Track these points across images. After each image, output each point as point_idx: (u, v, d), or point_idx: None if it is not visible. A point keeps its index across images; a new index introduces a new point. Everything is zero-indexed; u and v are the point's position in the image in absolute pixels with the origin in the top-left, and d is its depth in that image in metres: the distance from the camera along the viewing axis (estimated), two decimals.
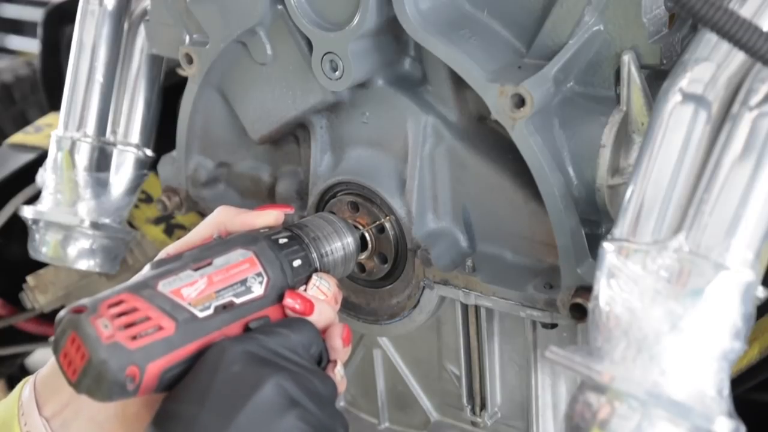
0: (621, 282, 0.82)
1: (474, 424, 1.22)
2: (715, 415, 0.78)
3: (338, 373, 0.97)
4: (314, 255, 1.02)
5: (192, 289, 0.90)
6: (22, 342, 1.81)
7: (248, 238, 0.98)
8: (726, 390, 0.80)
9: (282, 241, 1.00)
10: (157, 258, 0.98)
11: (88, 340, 0.83)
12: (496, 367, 1.18)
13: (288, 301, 0.96)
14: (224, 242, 0.98)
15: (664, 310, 0.80)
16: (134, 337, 0.85)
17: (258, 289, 0.95)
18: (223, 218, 1.03)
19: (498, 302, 1.07)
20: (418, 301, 1.14)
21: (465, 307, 1.15)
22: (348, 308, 1.20)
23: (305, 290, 1.00)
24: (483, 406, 1.20)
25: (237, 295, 0.93)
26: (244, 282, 0.94)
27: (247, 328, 0.94)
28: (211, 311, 0.91)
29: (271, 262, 0.97)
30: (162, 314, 0.87)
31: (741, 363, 1.22)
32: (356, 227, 1.12)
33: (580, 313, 0.99)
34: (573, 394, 0.84)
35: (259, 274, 0.95)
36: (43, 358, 2.17)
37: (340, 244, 1.06)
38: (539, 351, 1.13)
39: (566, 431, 0.83)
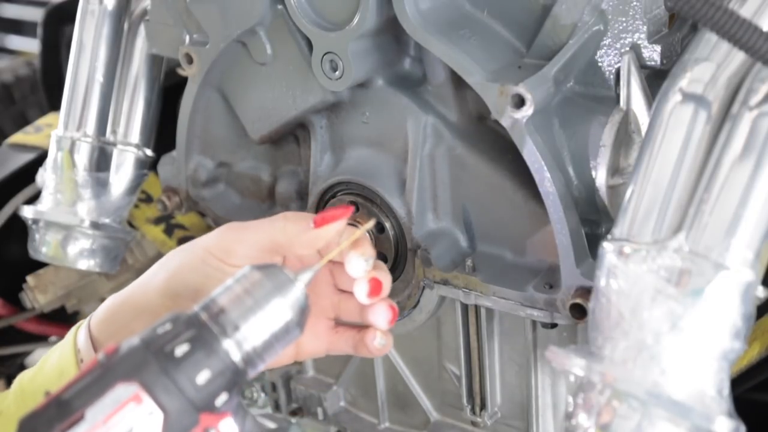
0: (621, 282, 0.82)
1: (474, 424, 1.22)
2: (715, 414, 0.78)
3: None
4: (231, 352, 0.79)
5: None
6: (22, 342, 1.81)
7: (131, 364, 0.76)
8: (726, 390, 0.80)
9: (180, 350, 0.77)
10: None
11: None
12: (496, 367, 1.18)
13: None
14: (100, 374, 0.75)
15: (664, 310, 0.80)
16: None
17: None
18: (279, 242, 0.92)
19: (498, 302, 1.07)
20: (418, 301, 1.14)
21: (465, 307, 1.15)
22: None
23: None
24: (483, 406, 1.20)
25: None
26: None
27: None
28: None
29: (167, 389, 0.75)
30: None
31: (741, 363, 1.22)
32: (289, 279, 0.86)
33: (580, 313, 0.99)
34: (573, 394, 0.84)
35: (151, 413, 0.74)
36: None
37: (268, 321, 0.81)
38: (539, 351, 1.13)
39: (566, 431, 0.84)
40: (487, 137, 1.08)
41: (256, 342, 0.80)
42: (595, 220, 1.04)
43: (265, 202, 1.29)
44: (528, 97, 0.96)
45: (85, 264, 1.42)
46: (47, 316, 1.66)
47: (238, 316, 0.80)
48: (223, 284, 0.83)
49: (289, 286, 0.83)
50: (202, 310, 0.81)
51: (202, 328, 0.79)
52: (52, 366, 0.97)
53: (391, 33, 1.07)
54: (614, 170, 1.01)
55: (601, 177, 1.01)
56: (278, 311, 0.82)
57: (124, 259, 1.58)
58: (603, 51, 1.01)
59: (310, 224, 0.93)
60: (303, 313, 0.84)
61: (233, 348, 0.79)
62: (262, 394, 1.41)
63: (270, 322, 0.81)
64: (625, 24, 1.00)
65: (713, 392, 0.79)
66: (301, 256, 0.97)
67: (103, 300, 1.63)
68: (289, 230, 0.95)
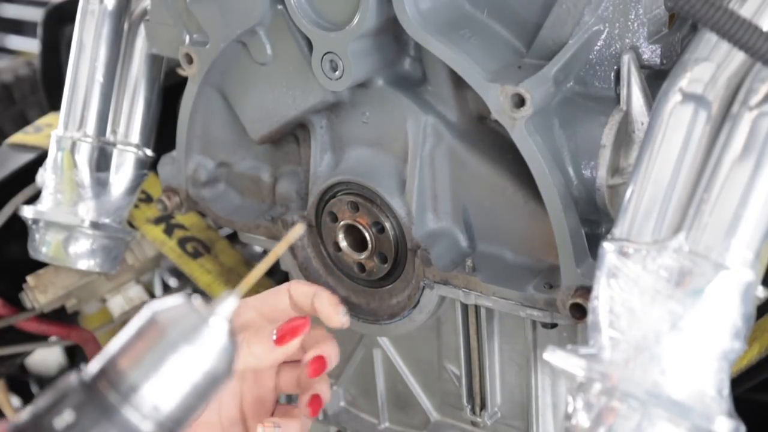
0: (621, 282, 0.82)
1: (474, 424, 1.22)
2: (715, 414, 0.78)
3: None
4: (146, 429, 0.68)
5: None
6: (22, 342, 1.81)
7: None
8: (726, 390, 0.80)
9: None
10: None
11: None
12: (496, 367, 1.18)
13: None
14: None
15: (664, 310, 0.80)
16: None
17: None
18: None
19: (498, 302, 1.07)
20: (418, 301, 1.14)
21: (465, 307, 1.15)
22: (348, 308, 1.20)
23: None
24: (483, 406, 1.20)
25: None
26: None
27: None
28: None
29: None
30: None
31: (741, 363, 1.22)
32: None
33: (580, 313, 0.99)
34: (573, 394, 0.84)
35: None
36: (43, 358, 2.17)
37: (180, 379, 0.69)
38: (539, 351, 1.13)
39: (566, 431, 0.83)
40: (487, 137, 1.08)
41: (170, 407, 0.68)
42: (595, 220, 1.04)
43: (265, 202, 1.29)
44: (528, 97, 0.96)
45: (85, 264, 1.42)
46: (47, 316, 1.65)
47: (141, 377, 0.68)
48: (122, 334, 0.70)
49: (202, 328, 0.69)
50: (101, 376, 0.69)
51: (114, 414, 0.67)
52: None
53: (391, 33, 1.07)
54: (614, 170, 1.01)
55: (601, 177, 1.01)
56: (190, 363, 0.69)
57: (124, 259, 1.58)
58: (603, 51, 1.01)
59: (272, 342, 0.98)
60: (227, 355, 0.70)
61: (148, 426, 0.68)
62: None
63: (183, 380, 0.68)
64: (625, 24, 1.00)
65: (713, 392, 0.79)
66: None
67: (103, 300, 1.64)
68: (256, 352, 0.99)
